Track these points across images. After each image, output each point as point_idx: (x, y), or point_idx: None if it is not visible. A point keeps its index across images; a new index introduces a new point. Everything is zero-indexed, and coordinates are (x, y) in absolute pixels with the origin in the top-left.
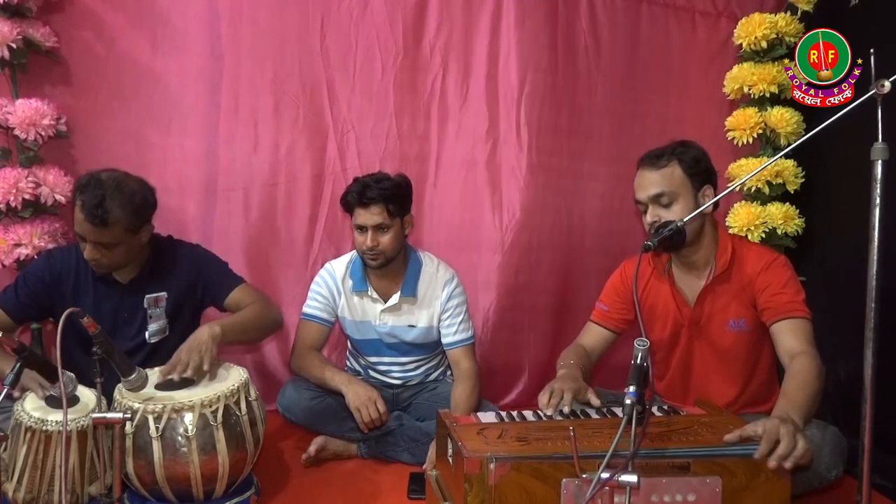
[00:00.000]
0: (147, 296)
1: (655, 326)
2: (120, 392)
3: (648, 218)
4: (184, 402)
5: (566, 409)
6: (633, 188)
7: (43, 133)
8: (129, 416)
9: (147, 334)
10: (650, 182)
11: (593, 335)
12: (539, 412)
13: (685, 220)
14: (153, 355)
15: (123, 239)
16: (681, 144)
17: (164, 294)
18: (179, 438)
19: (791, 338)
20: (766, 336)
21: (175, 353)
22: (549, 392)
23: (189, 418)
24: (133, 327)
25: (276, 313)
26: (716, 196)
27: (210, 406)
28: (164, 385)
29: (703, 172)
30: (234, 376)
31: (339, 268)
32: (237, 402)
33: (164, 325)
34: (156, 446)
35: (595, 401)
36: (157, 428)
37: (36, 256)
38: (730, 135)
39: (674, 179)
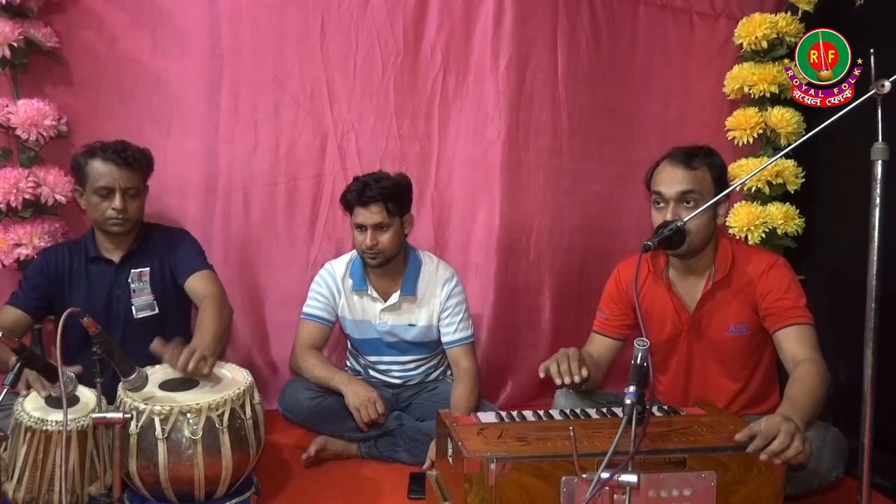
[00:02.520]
0: (132, 270)
1: (653, 330)
2: (125, 392)
3: (668, 216)
4: (191, 405)
5: (577, 379)
6: (655, 181)
7: (45, 133)
8: (129, 416)
9: (133, 308)
10: (681, 179)
11: (597, 345)
12: (539, 412)
13: (685, 219)
14: (145, 336)
15: (141, 189)
16: (709, 150)
17: (146, 269)
18: (185, 441)
19: (796, 345)
20: (766, 339)
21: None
22: (555, 362)
23: (196, 421)
24: (124, 303)
25: (229, 312)
26: (717, 202)
27: (217, 409)
28: (168, 385)
29: (723, 183)
30: (238, 379)
31: (338, 267)
32: (242, 406)
33: (151, 301)
34: (161, 448)
35: (584, 372)
36: (163, 430)
37: (36, 257)
38: (730, 135)
39: (703, 183)
